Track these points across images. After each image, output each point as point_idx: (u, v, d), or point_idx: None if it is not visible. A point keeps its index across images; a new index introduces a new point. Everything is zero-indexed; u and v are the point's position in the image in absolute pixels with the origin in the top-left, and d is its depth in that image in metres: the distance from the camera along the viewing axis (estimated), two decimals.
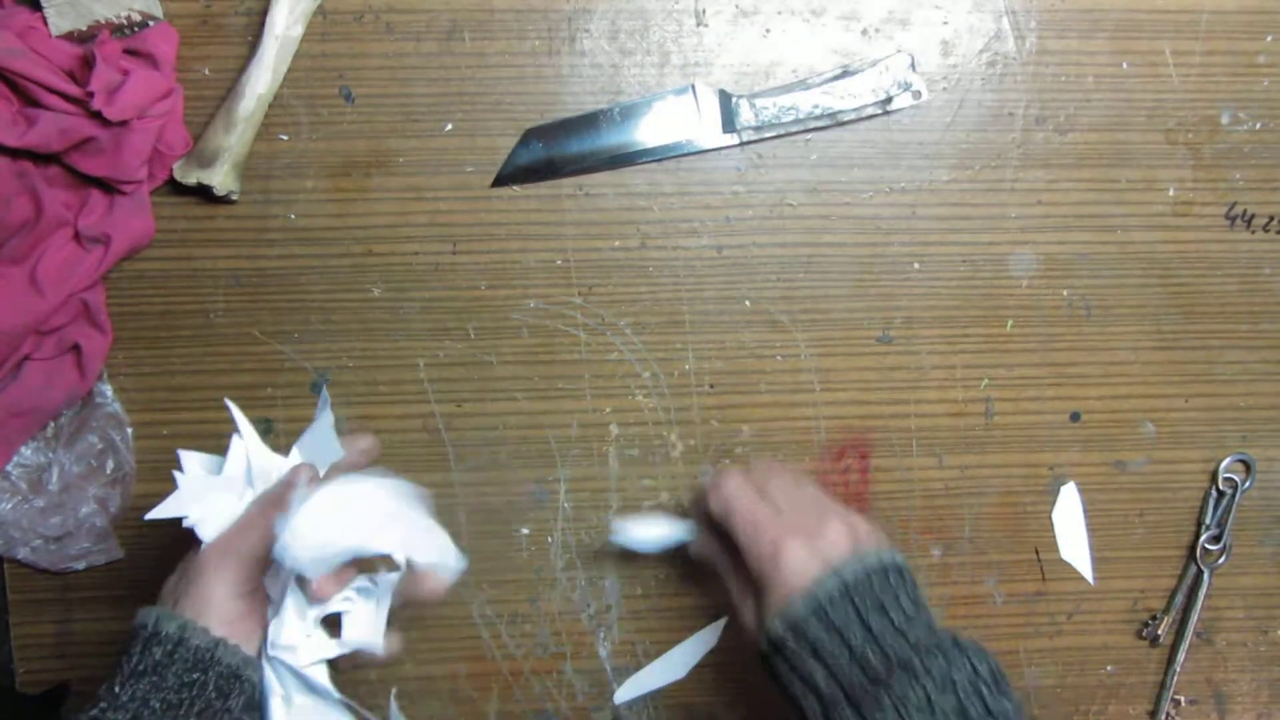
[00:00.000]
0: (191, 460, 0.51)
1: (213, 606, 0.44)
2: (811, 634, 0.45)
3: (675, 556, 0.64)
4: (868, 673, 0.44)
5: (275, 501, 0.47)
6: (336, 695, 0.48)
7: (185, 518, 0.48)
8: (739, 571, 0.51)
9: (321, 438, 0.51)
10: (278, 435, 0.62)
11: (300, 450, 0.52)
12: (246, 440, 0.51)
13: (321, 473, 0.51)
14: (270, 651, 0.46)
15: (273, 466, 0.51)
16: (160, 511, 0.48)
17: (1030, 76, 0.64)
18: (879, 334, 0.65)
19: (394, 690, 0.51)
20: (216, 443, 0.62)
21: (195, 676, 0.42)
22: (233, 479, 0.50)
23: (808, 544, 0.48)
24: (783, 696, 0.47)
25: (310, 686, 0.47)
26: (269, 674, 0.46)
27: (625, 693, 0.63)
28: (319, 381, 0.62)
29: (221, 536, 0.47)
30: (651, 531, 0.56)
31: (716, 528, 0.53)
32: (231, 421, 0.51)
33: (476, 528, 0.64)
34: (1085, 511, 0.66)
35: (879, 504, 0.65)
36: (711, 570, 0.54)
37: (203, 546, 0.47)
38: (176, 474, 0.49)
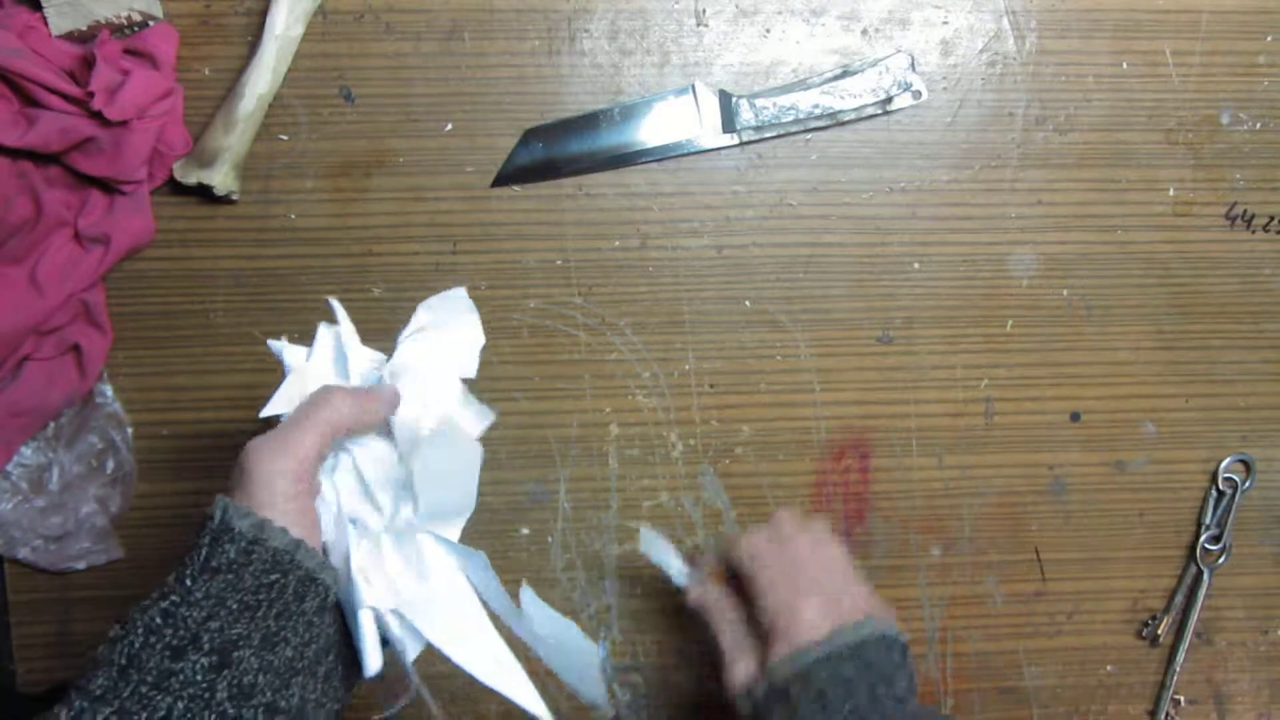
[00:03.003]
0: (292, 352, 0.47)
1: (283, 505, 0.41)
2: (819, 684, 0.45)
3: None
4: None
5: (338, 407, 0.44)
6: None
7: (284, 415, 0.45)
8: (742, 625, 0.51)
9: (455, 303, 0.48)
10: None
11: (426, 311, 0.49)
12: (343, 328, 0.48)
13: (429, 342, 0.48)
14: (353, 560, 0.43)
15: (363, 358, 0.48)
16: (273, 408, 0.45)
17: (1030, 76, 0.64)
18: (879, 334, 0.65)
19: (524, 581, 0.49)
20: (216, 442, 0.62)
21: (274, 578, 0.40)
22: (324, 371, 0.48)
23: (826, 602, 0.48)
24: None
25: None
26: (358, 585, 0.43)
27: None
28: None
29: (280, 431, 0.43)
30: (669, 560, 0.56)
31: (731, 576, 0.53)
32: (329, 309, 0.48)
33: (476, 528, 0.64)
34: (1082, 511, 0.66)
35: (879, 504, 0.65)
36: (704, 620, 0.53)
37: (261, 441, 0.43)
38: (287, 360, 0.46)
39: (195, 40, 0.60)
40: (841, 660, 0.45)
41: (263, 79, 0.58)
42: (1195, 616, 0.66)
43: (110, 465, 0.61)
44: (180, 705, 0.36)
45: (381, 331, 0.62)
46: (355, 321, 0.62)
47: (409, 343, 0.48)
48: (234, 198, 0.60)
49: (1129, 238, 0.65)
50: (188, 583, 0.39)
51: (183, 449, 0.62)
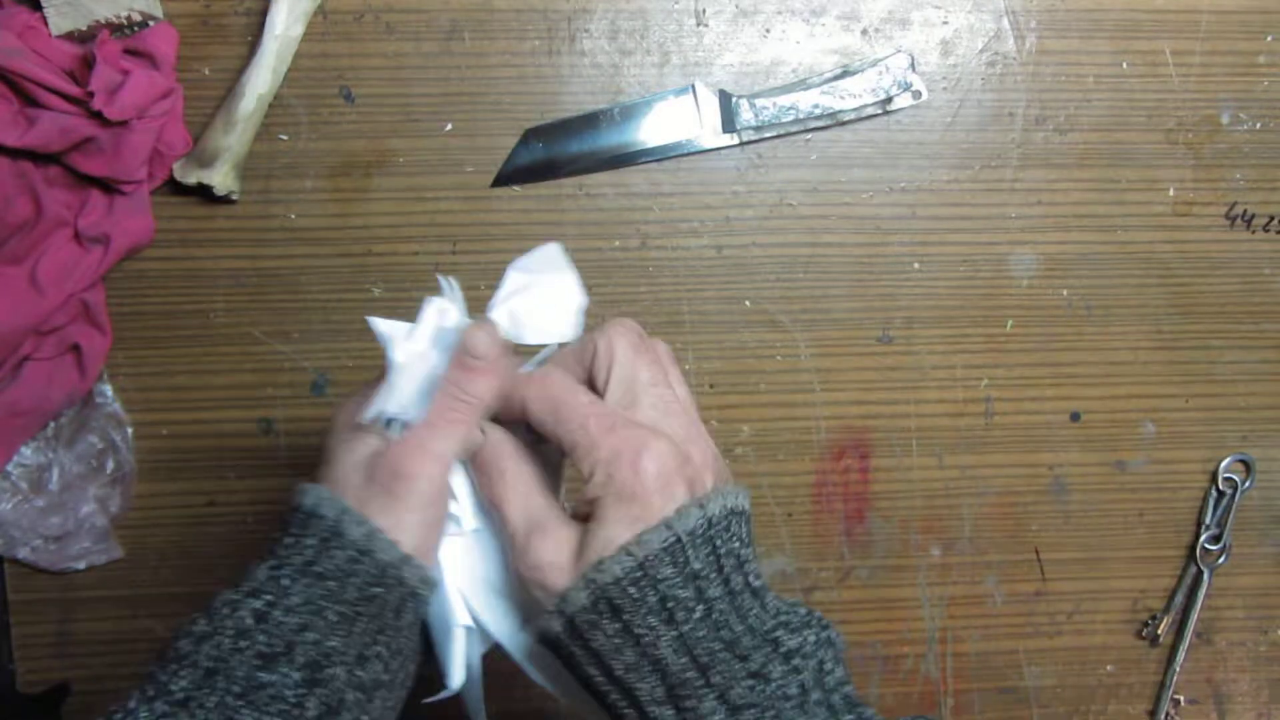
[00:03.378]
0: (399, 334, 0.39)
1: (400, 515, 0.36)
2: (662, 580, 0.33)
3: None
4: (724, 643, 0.34)
5: (472, 395, 0.38)
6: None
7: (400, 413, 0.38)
8: (538, 483, 0.38)
9: (553, 304, 0.40)
10: (277, 435, 0.62)
11: (518, 272, 0.40)
12: (454, 302, 0.40)
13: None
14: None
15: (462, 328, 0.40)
16: (377, 407, 0.38)
17: (1030, 76, 0.64)
18: (879, 334, 0.65)
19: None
20: (216, 442, 0.62)
21: (377, 592, 0.36)
22: (425, 350, 0.40)
23: (675, 454, 0.35)
24: (591, 678, 0.36)
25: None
26: (453, 600, 0.39)
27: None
28: (319, 381, 0.62)
29: (415, 434, 0.38)
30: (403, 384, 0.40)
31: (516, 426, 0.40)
32: (437, 284, 0.41)
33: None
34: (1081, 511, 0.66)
35: (879, 504, 0.65)
36: (483, 475, 0.39)
37: (392, 443, 0.38)
38: (390, 346, 0.39)
39: (195, 40, 0.60)
40: (695, 546, 0.34)
41: (263, 79, 0.58)
42: (1195, 616, 0.66)
43: (110, 465, 0.61)
44: None
45: None
46: (355, 321, 0.62)
47: (504, 309, 0.41)
48: (234, 198, 0.60)
49: (1129, 238, 0.65)
50: (284, 582, 0.35)
51: (183, 449, 0.62)
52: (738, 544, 0.35)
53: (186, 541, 0.62)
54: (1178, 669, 0.67)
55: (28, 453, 0.60)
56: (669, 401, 0.37)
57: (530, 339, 0.40)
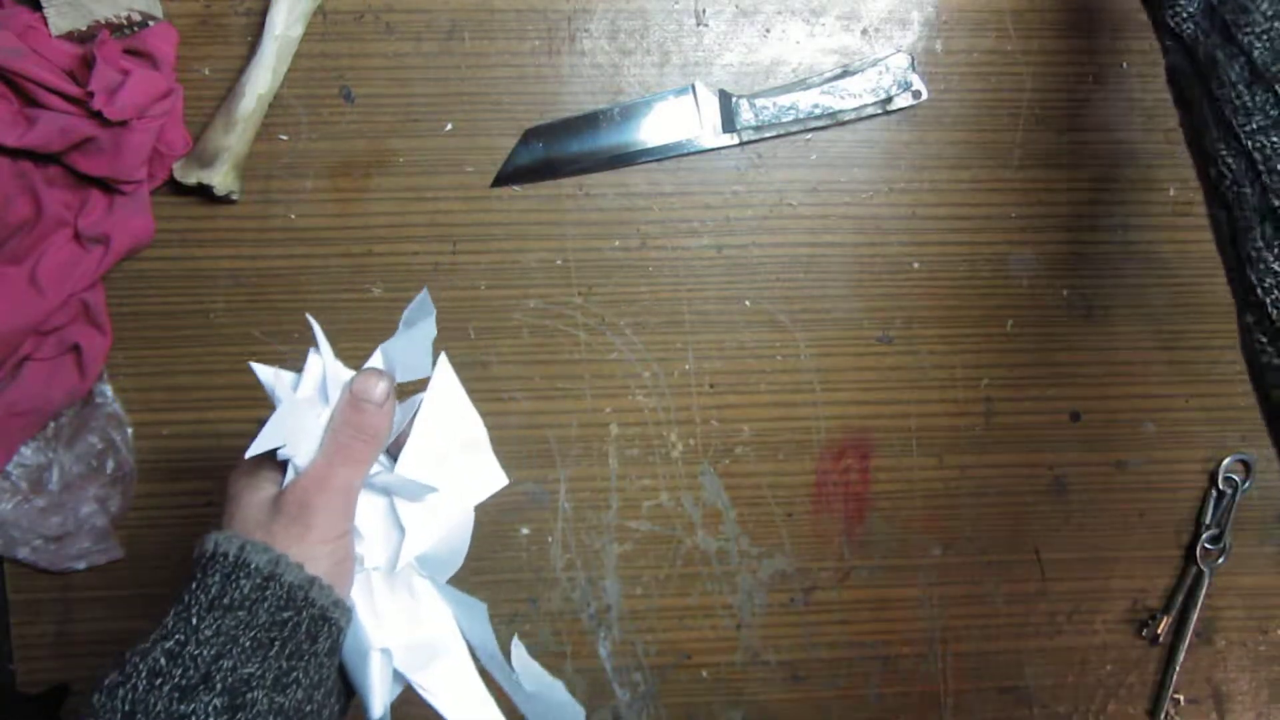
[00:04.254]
0: (282, 380, 0.44)
1: (309, 546, 0.39)
2: None
3: (678, 558, 0.64)
4: None
5: (369, 433, 0.42)
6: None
7: (282, 447, 0.42)
8: None
9: (416, 347, 0.45)
10: None
11: (384, 358, 0.46)
12: (324, 354, 0.44)
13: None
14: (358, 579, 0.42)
15: (345, 379, 0.45)
16: (261, 444, 0.41)
17: (1030, 76, 0.64)
18: (879, 334, 0.65)
19: (515, 635, 0.48)
20: (216, 442, 0.62)
21: (288, 615, 0.38)
22: (311, 397, 0.44)
23: None
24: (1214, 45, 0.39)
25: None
26: (364, 626, 0.42)
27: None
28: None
29: (318, 468, 0.41)
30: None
31: None
32: (310, 334, 0.45)
33: (477, 528, 0.63)
34: None
35: (879, 504, 0.65)
36: None
37: (296, 478, 0.41)
38: (274, 391, 0.43)
39: (195, 40, 0.60)
40: None
41: (263, 79, 0.58)
42: (1195, 616, 0.66)
43: (110, 465, 0.61)
44: None
45: (381, 331, 0.62)
46: (355, 321, 0.62)
47: (378, 355, 0.46)
48: (234, 198, 0.60)
49: (1129, 238, 0.65)
50: (194, 620, 0.37)
51: (183, 449, 0.62)
52: None
53: (186, 541, 0.62)
54: (1178, 669, 0.67)
55: (28, 453, 0.60)
56: None
57: (401, 377, 0.45)
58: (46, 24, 0.56)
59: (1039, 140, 0.64)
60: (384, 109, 0.61)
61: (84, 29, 0.56)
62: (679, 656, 0.65)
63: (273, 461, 0.42)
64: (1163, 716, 0.68)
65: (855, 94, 0.62)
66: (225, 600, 0.37)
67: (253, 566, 0.38)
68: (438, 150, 0.62)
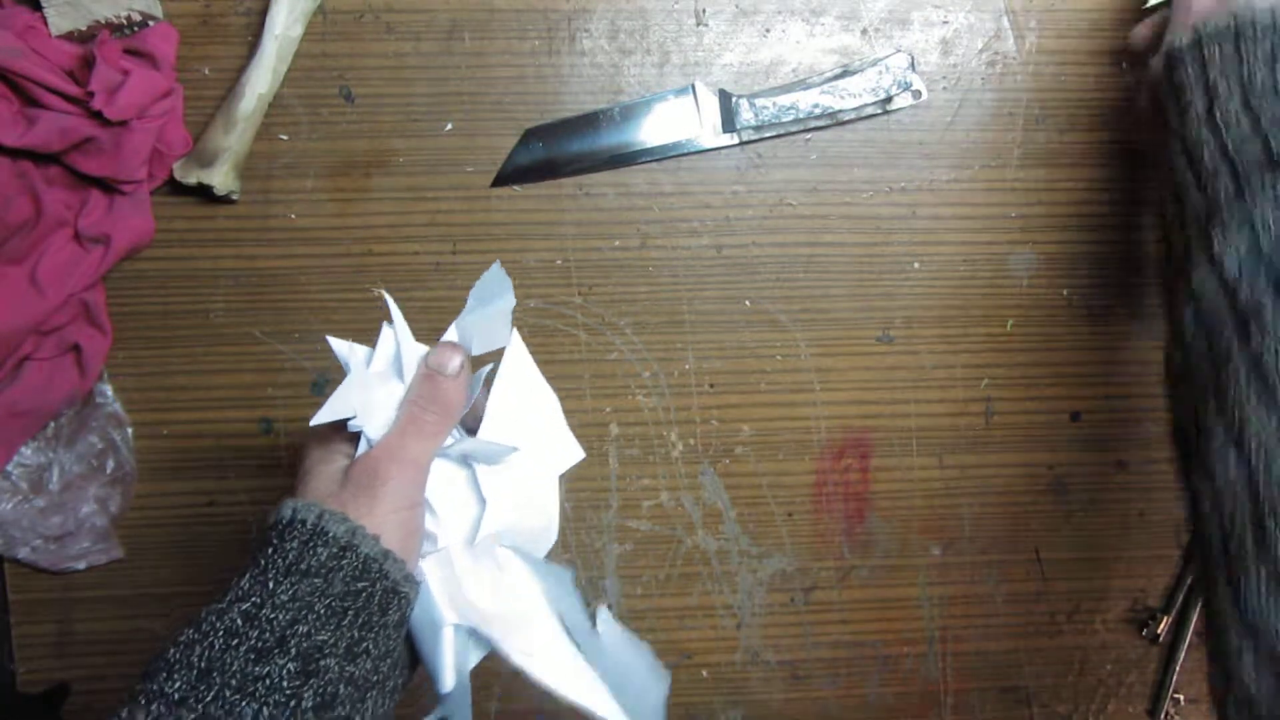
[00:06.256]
0: (355, 354, 0.44)
1: (379, 516, 0.40)
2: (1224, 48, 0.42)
3: (678, 558, 0.64)
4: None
5: (442, 404, 0.43)
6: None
7: (352, 417, 0.42)
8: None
9: (494, 319, 0.45)
10: (277, 435, 0.62)
11: (459, 332, 0.46)
12: (398, 329, 0.44)
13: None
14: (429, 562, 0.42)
15: (419, 354, 0.45)
16: (327, 413, 0.42)
17: (1030, 76, 0.64)
18: (879, 334, 0.65)
19: (602, 605, 0.48)
20: (216, 442, 0.62)
21: (362, 586, 0.38)
22: (384, 371, 0.44)
23: None
24: (1185, 110, 0.44)
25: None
26: (437, 602, 0.42)
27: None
28: (319, 381, 0.62)
29: (390, 440, 0.42)
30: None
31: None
32: (384, 308, 0.45)
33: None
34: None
35: (879, 504, 0.65)
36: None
37: (368, 449, 0.42)
38: (347, 362, 0.43)
39: (195, 40, 0.60)
40: (1259, 33, 0.42)
41: (263, 79, 0.58)
42: (1195, 616, 0.66)
43: (110, 465, 0.61)
44: (266, 712, 0.34)
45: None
46: (355, 321, 0.62)
47: (454, 328, 0.46)
48: (234, 198, 0.60)
49: (1129, 238, 0.65)
50: (270, 585, 0.37)
51: (183, 449, 0.62)
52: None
53: (186, 541, 0.62)
54: (1178, 668, 0.67)
55: (28, 453, 0.60)
56: None
57: (476, 350, 0.45)
58: (46, 24, 0.56)
59: (1039, 140, 0.64)
60: (384, 109, 0.61)
61: (84, 29, 0.56)
62: (679, 656, 0.65)
63: (346, 435, 0.43)
64: (1163, 716, 0.68)
65: (855, 94, 0.62)
66: (302, 566, 0.37)
67: (330, 535, 0.38)
68: (438, 150, 0.62)
